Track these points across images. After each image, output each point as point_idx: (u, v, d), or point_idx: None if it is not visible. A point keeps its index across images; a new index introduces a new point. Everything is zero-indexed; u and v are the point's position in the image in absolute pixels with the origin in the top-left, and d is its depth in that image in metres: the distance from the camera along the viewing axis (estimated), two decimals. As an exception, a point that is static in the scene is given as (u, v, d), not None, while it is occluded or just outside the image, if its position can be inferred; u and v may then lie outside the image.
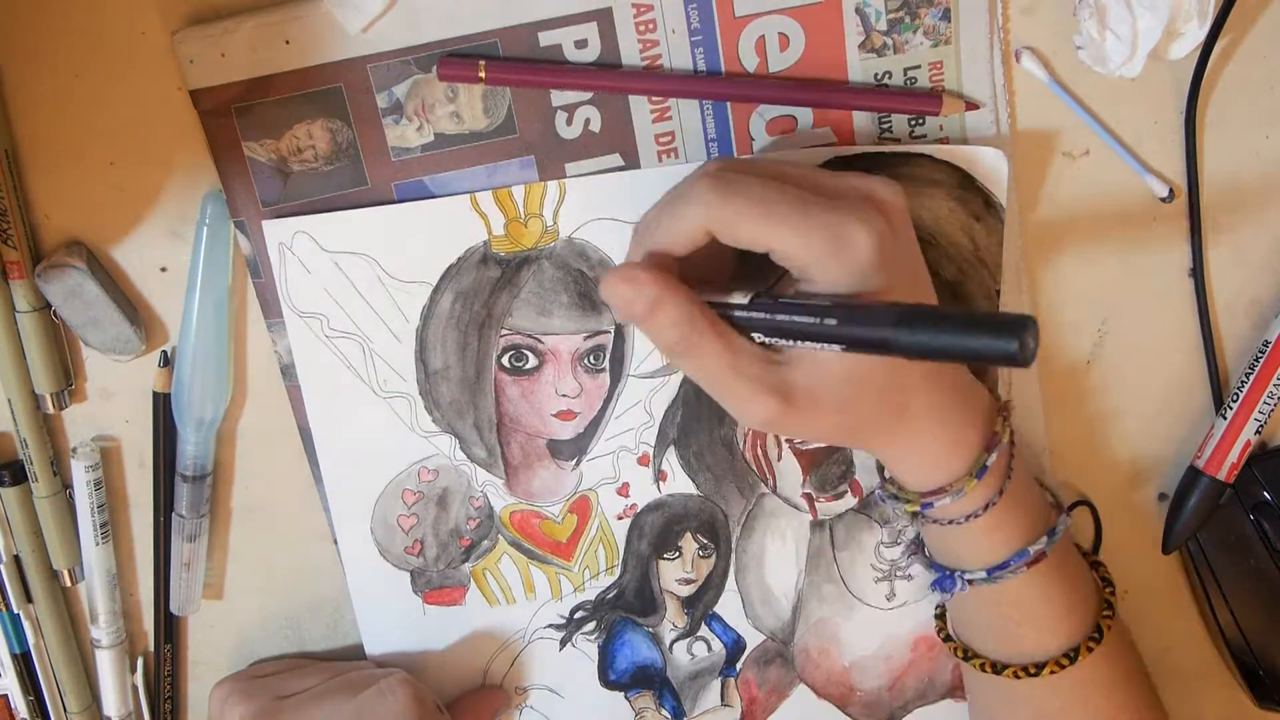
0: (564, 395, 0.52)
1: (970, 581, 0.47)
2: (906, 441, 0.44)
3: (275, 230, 0.49)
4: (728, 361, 0.41)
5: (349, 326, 0.51)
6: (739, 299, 0.41)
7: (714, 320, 0.41)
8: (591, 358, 0.52)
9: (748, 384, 0.41)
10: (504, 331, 0.51)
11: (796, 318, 0.39)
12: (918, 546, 0.50)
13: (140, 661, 0.57)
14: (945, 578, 0.48)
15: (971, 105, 0.49)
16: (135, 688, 0.56)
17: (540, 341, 0.51)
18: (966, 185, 0.49)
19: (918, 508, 0.45)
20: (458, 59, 0.47)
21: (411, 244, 0.50)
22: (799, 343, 0.40)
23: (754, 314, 0.41)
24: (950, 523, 0.45)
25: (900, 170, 0.49)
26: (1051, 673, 0.47)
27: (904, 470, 0.46)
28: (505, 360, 0.52)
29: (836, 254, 0.39)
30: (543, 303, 0.51)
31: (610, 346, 0.52)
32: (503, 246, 0.50)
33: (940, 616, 0.53)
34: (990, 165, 0.48)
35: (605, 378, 0.52)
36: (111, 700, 0.56)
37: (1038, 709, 0.49)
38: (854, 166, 0.49)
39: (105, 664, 0.55)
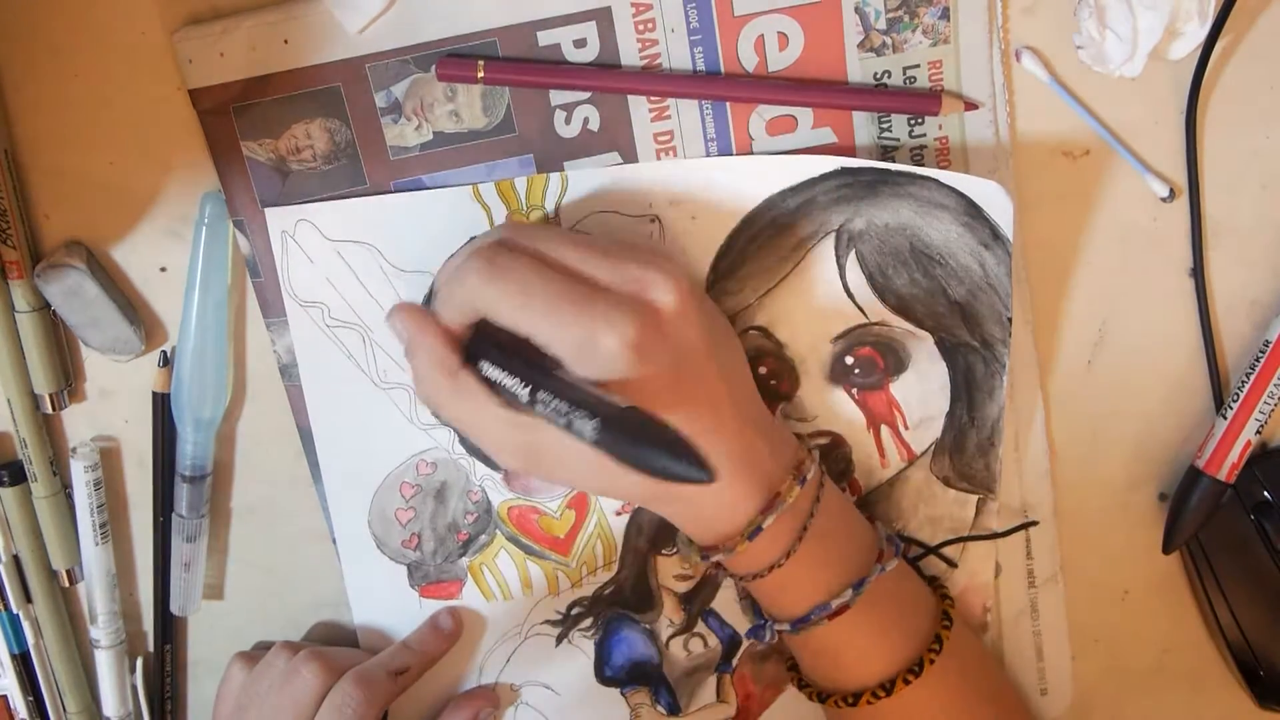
0: None
1: (778, 632, 0.48)
2: (675, 507, 0.46)
3: (278, 218, 0.49)
4: (471, 421, 0.43)
5: (350, 316, 0.51)
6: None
7: (458, 380, 0.42)
8: None
9: (491, 441, 0.43)
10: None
11: (507, 370, 0.41)
12: (746, 594, 0.50)
13: (140, 662, 0.57)
14: (758, 626, 0.49)
15: (971, 105, 0.49)
16: (135, 688, 0.56)
17: None
18: (974, 214, 0.49)
19: (699, 558, 0.47)
20: (456, 59, 0.47)
21: (414, 234, 0.50)
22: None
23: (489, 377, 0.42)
24: (741, 578, 0.47)
25: (907, 190, 0.49)
26: (869, 702, 0.48)
27: (681, 526, 0.47)
28: None
29: (582, 355, 0.40)
30: None
31: None
32: None
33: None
34: (994, 199, 0.48)
35: None
36: (111, 700, 0.56)
37: None
38: (861, 182, 0.49)
39: (105, 664, 0.55)
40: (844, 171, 0.48)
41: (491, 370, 0.42)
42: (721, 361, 0.45)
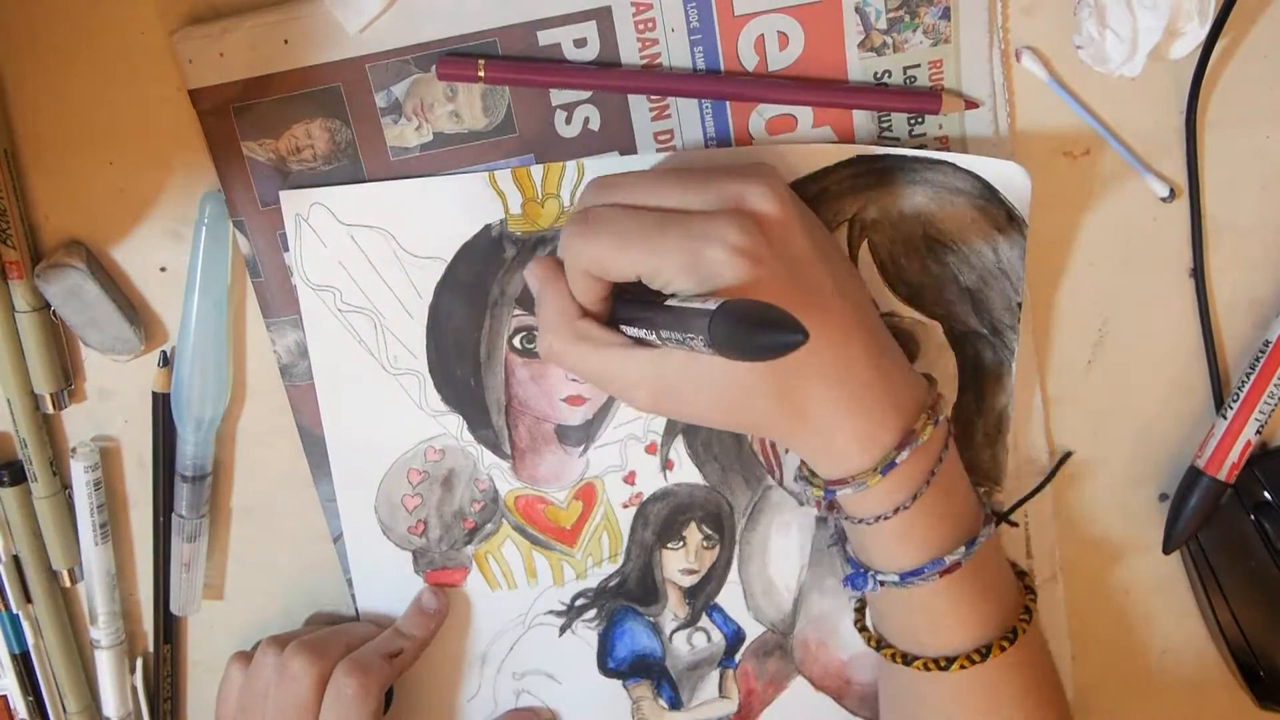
0: (574, 380, 0.52)
1: (882, 583, 0.46)
2: (806, 436, 0.44)
3: (292, 201, 0.49)
4: (600, 365, 0.43)
5: (362, 301, 0.51)
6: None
7: (577, 326, 0.44)
8: None
9: (623, 381, 0.43)
10: (516, 312, 0.51)
11: (634, 322, 0.43)
12: (840, 538, 0.49)
13: (140, 662, 0.56)
14: (859, 575, 0.47)
15: (971, 103, 0.49)
16: (135, 688, 0.56)
17: None
18: (989, 196, 0.49)
19: (821, 494, 0.45)
20: (456, 58, 0.47)
21: (428, 219, 0.50)
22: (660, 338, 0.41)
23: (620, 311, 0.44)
24: (861, 521, 0.45)
25: (923, 175, 0.49)
26: (961, 668, 0.46)
27: (808, 458, 0.46)
28: (517, 341, 0.52)
29: (691, 271, 0.40)
30: None
31: None
32: (519, 226, 0.50)
33: (859, 609, 0.52)
34: (1012, 180, 0.48)
35: None
36: (111, 700, 0.56)
37: (941, 707, 0.48)
38: (877, 169, 0.49)
39: (105, 664, 0.55)
40: (860, 160, 0.48)
41: (621, 313, 0.43)
42: (837, 276, 0.44)
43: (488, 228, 0.50)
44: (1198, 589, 0.57)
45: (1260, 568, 0.54)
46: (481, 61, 0.47)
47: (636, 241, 0.41)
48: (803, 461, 0.47)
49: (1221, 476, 0.53)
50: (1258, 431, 0.52)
